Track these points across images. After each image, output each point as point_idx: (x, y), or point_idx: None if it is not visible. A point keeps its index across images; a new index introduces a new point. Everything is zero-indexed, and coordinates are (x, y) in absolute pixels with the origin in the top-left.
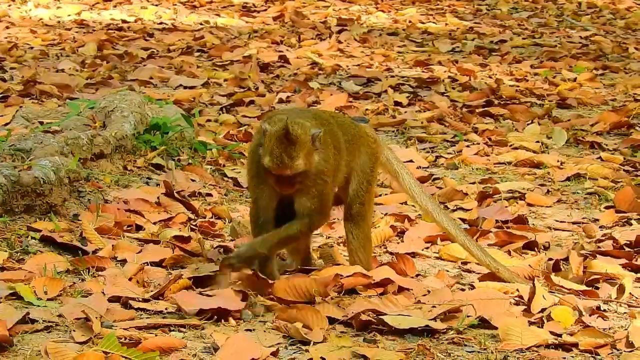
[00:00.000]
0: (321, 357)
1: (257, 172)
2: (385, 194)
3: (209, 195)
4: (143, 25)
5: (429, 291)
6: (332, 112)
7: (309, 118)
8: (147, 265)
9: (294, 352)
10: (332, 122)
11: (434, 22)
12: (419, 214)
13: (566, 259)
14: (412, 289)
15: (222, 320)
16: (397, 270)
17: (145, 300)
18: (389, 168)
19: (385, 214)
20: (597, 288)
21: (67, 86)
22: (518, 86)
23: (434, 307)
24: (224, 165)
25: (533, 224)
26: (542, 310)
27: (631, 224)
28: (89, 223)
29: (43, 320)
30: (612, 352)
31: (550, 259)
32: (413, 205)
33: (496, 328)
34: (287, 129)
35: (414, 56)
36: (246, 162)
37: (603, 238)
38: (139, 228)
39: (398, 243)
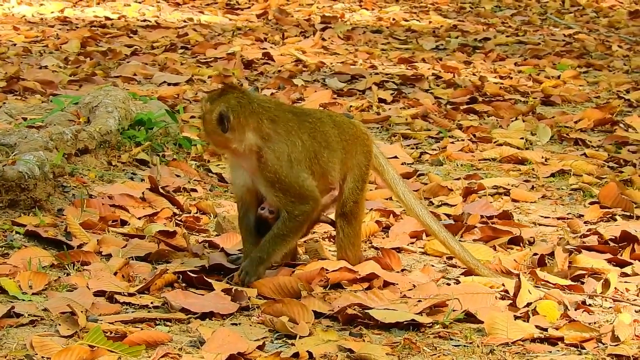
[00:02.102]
0: (307, 351)
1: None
2: (371, 190)
3: (194, 190)
4: (126, 23)
5: (414, 286)
6: (331, 112)
7: (282, 111)
8: (132, 260)
9: (280, 346)
10: (326, 122)
11: (417, 20)
12: (404, 210)
13: (551, 254)
14: (397, 284)
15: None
16: (382, 265)
17: (131, 295)
18: (375, 163)
19: (371, 209)
20: (583, 283)
21: (51, 83)
22: (502, 83)
23: (419, 301)
24: (208, 161)
25: (518, 220)
26: (528, 304)
27: (616, 220)
28: (73, 218)
29: (28, 315)
30: (598, 346)
31: (535, 254)
32: (397, 201)
33: (482, 322)
34: (223, 86)
35: (398, 53)
36: None
37: (588, 233)
38: (123, 223)
39: (383, 238)
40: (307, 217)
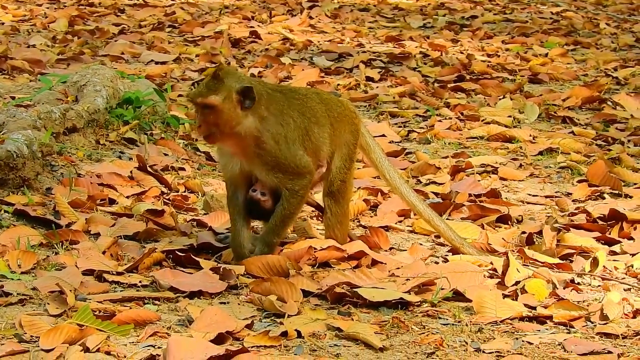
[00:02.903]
0: (295, 330)
1: None
2: (359, 168)
3: (182, 169)
4: (114, 1)
5: (402, 264)
6: (318, 90)
7: (269, 88)
8: (121, 238)
9: (269, 325)
10: (313, 98)
11: None
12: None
13: (539, 233)
14: (385, 262)
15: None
16: (370, 243)
17: (119, 274)
18: (361, 141)
19: (359, 188)
20: (571, 261)
21: (39, 61)
22: (489, 61)
23: (407, 280)
24: (196, 140)
25: (506, 198)
26: (516, 283)
27: (604, 198)
28: (62, 197)
29: (17, 294)
30: (587, 325)
31: (523, 232)
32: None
33: (470, 301)
34: (218, 68)
35: (386, 32)
36: None
37: (576, 212)
38: (112, 202)
39: (371, 217)
40: (307, 190)
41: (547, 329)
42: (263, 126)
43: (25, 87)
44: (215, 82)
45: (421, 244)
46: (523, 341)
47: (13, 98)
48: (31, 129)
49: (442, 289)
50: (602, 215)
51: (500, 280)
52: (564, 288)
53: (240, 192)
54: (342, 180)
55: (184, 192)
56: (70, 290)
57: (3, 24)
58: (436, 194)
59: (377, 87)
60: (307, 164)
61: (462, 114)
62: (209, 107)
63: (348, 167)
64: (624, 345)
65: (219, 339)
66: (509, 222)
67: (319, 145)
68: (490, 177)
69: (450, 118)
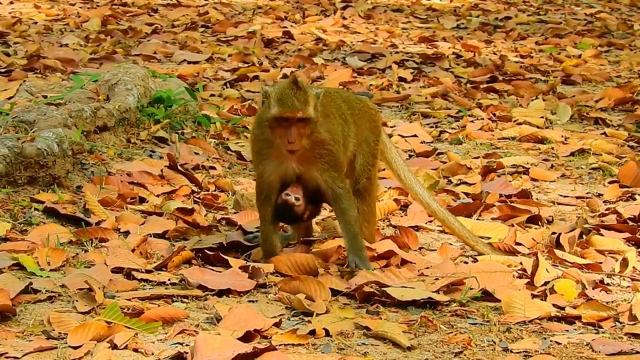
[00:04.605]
0: (324, 329)
1: (262, 147)
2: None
3: (213, 168)
4: (147, 1)
5: (431, 264)
6: (336, 88)
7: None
8: (150, 237)
9: (297, 323)
10: (336, 97)
11: None
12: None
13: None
14: (414, 262)
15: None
16: (399, 243)
17: (148, 272)
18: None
19: (389, 188)
20: (601, 262)
21: (71, 61)
22: (523, 62)
23: (436, 279)
24: (227, 139)
25: (537, 199)
26: (545, 283)
27: (635, 199)
28: (92, 195)
29: (46, 290)
30: (615, 325)
31: (553, 233)
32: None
33: (499, 301)
34: (295, 78)
35: (419, 32)
36: (250, 139)
37: (607, 212)
38: (142, 200)
39: (401, 216)
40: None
41: (575, 329)
42: (324, 127)
43: (58, 86)
44: (303, 93)
45: (451, 244)
46: (551, 341)
47: (45, 97)
48: (62, 127)
49: (471, 288)
50: (632, 216)
51: (529, 280)
52: (593, 288)
53: (274, 195)
54: (368, 178)
55: (214, 190)
56: (99, 288)
57: (36, 23)
58: (467, 194)
59: (410, 87)
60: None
61: (494, 114)
62: (305, 119)
63: (371, 164)
64: None
65: (246, 337)
66: (539, 223)
67: (347, 144)
68: (521, 177)
69: (482, 119)
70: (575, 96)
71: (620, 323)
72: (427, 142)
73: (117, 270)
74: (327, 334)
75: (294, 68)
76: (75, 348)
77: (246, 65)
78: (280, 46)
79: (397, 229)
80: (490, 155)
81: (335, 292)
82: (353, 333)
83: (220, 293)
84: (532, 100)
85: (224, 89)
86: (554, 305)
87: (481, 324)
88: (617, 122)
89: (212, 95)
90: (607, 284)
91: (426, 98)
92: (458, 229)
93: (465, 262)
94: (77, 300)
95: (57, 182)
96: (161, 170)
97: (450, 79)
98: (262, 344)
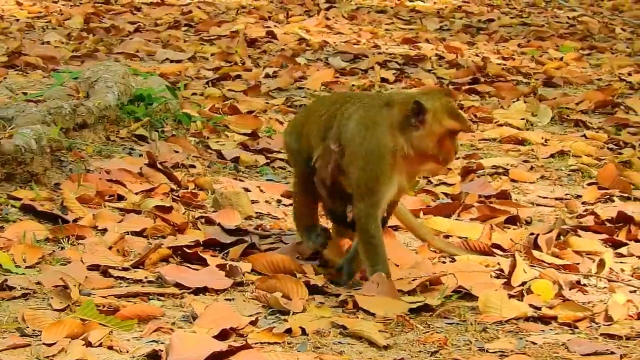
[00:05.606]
0: (300, 327)
1: (393, 161)
2: None
3: (192, 166)
4: None
5: (410, 264)
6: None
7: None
8: (128, 234)
9: (273, 322)
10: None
11: (422, 1)
12: None
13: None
14: (398, 265)
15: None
16: None
17: (125, 269)
18: None
19: None
20: (578, 263)
21: (53, 58)
22: (505, 64)
23: (414, 279)
24: (207, 137)
25: (516, 199)
26: (523, 283)
27: (613, 201)
28: (70, 192)
29: (21, 288)
30: (591, 326)
31: (532, 234)
32: None
33: (476, 300)
34: (449, 91)
35: (402, 34)
36: (368, 159)
37: (585, 213)
38: (120, 198)
39: None
40: None
41: (551, 330)
42: None
43: (38, 83)
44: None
45: None
46: (527, 341)
47: (25, 94)
48: (40, 124)
49: (451, 291)
50: (610, 218)
51: (506, 280)
52: (570, 289)
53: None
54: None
55: (194, 189)
56: (75, 285)
57: (18, 20)
58: (446, 194)
59: (392, 88)
60: None
61: (475, 115)
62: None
63: None
64: (627, 347)
65: (222, 335)
66: (518, 223)
67: None
68: (501, 178)
69: None
70: (557, 98)
71: (596, 324)
72: None
73: (93, 267)
74: (304, 332)
75: (276, 68)
76: (49, 345)
77: (229, 64)
78: (263, 46)
79: None
80: (471, 156)
81: (312, 291)
82: (329, 332)
83: (197, 291)
84: (514, 102)
85: (205, 87)
86: (530, 305)
87: (458, 324)
88: (598, 125)
89: (194, 94)
90: (584, 285)
91: None
92: (416, 227)
93: (443, 262)
94: (52, 298)
95: (34, 179)
96: (140, 168)
97: (432, 80)
98: (238, 342)
